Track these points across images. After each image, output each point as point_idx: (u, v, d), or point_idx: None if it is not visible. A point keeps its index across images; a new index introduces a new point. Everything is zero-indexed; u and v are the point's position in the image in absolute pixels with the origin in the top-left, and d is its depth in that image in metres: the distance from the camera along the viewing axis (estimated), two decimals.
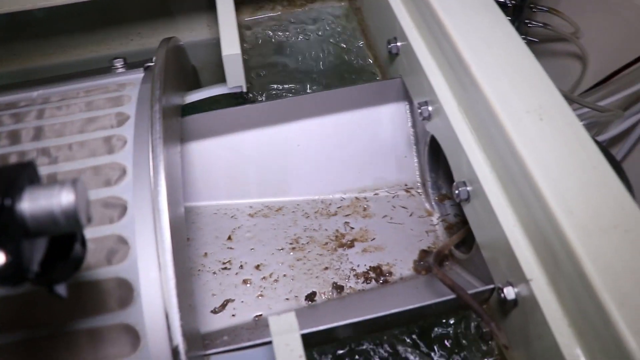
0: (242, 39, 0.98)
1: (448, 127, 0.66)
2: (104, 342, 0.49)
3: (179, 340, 0.47)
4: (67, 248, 0.39)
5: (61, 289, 0.41)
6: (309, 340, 0.56)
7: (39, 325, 0.49)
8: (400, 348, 0.65)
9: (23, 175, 0.35)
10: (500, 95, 0.59)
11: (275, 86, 0.97)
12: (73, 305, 0.49)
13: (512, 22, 1.16)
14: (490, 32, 0.65)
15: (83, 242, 0.41)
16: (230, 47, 0.72)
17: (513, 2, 1.14)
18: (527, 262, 0.54)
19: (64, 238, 0.39)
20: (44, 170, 0.57)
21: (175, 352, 0.47)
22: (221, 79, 1.03)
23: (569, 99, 1.10)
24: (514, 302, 0.56)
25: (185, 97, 0.77)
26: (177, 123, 0.69)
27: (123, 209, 0.53)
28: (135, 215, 0.52)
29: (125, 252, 0.51)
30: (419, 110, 0.72)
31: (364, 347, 0.66)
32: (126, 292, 0.50)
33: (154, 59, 0.74)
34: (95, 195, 0.54)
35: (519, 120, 0.56)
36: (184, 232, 0.58)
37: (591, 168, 0.53)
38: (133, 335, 0.49)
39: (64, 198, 0.34)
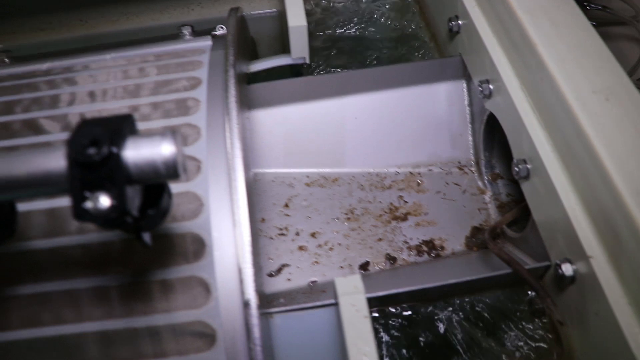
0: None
1: (510, 105, 0.67)
2: (175, 293, 0.52)
3: (251, 294, 0.49)
4: (157, 198, 0.41)
5: (147, 237, 0.43)
6: (377, 304, 0.59)
7: (116, 272, 0.52)
8: (455, 317, 0.66)
9: (126, 125, 0.38)
10: (566, 74, 0.59)
11: (332, 57, 0.98)
12: (149, 256, 0.52)
13: None
14: (557, 12, 0.65)
15: (169, 194, 0.43)
16: (297, 18, 0.74)
17: None
18: (587, 240, 0.55)
19: (155, 188, 0.41)
20: None
21: (246, 305, 0.49)
22: (277, 51, 1.05)
23: None
24: (572, 279, 0.57)
25: (249, 66, 0.79)
26: (245, 90, 0.71)
27: (197, 167, 0.55)
28: (208, 175, 0.54)
29: (199, 208, 0.54)
30: (480, 88, 0.73)
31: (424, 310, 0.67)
32: (199, 246, 0.52)
33: (217, 27, 0.76)
34: None
35: (585, 100, 0.57)
36: (252, 195, 0.60)
37: None
38: (204, 288, 0.51)
39: (165, 148, 0.36)
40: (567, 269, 0.57)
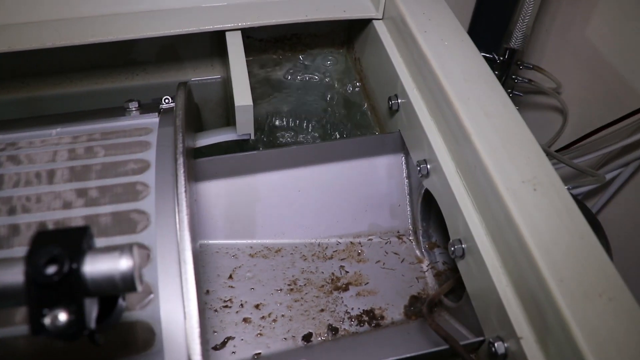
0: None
1: (446, 187, 0.71)
2: None
3: None
4: (113, 304, 0.43)
5: (99, 337, 0.44)
6: None
7: None
8: None
9: (84, 239, 0.39)
10: (497, 163, 0.63)
11: (275, 124, 1.01)
12: (100, 347, 0.52)
13: (500, 76, 1.23)
14: (489, 102, 0.70)
15: (124, 296, 0.44)
16: (243, 98, 0.77)
17: (501, 58, 1.21)
18: (517, 321, 0.59)
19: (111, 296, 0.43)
20: (67, 213, 0.60)
21: None
22: (221, 115, 1.07)
23: (551, 156, 1.17)
24: (504, 356, 0.61)
25: (195, 141, 0.81)
26: (192, 167, 0.73)
27: (146, 256, 0.57)
28: (158, 263, 0.56)
29: (148, 297, 0.54)
30: (418, 168, 0.77)
31: None
32: (149, 336, 0.53)
33: (163, 99, 0.78)
34: (120, 241, 0.57)
35: (514, 189, 0.61)
36: (199, 272, 0.61)
37: (579, 238, 0.58)
38: None
39: (124, 263, 0.38)
40: (499, 346, 0.61)
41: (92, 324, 0.39)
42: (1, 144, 0.72)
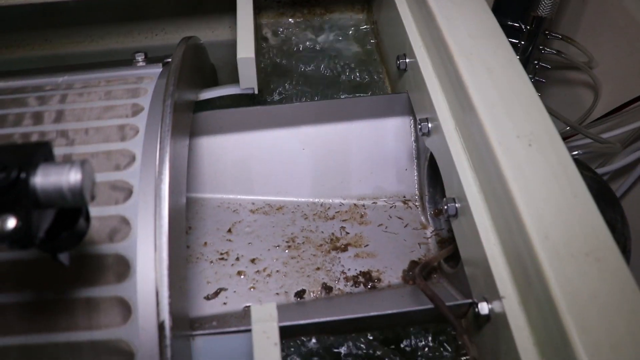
0: (261, 41, 1.01)
1: (444, 145, 0.69)
2: (98, 312, 0.53)
3: (165, 316, 0.51)
4: (73, 221, 0.43)
5: (64, 257, 0.45)
6: (290, 333, 0.60)
7: (42, 289, 0.53)
8: (377, 352, 0.68)
9: (39, 152, 0.39)
10: (493, 118, 0.62)
11: (286, 87, 1.00)
12: (75, 275, 0.53)
13: (526, 47, 1.19)
14: (493, 58, 0.68)
15: (87, 217, 0.45)
16: (245, 50, 0.76)
17: (528, 27, 1.17)
18: (501, 280, 0.57)
19: (71, 212, 0.43)
20: (61, 150, 0.62)
21: (161, 327, 0.50)
22: (238, 78, 1.07)
23: (572, 127, 1.12)
24: (487, 318, 0.59)
25: (199, 94, 0.81)
26: (189, 118, 0.73)
27: (129, 192, 0.57)
28: (139, 200, 0.56)
29: (127, 232, 0.55)
30: (419, 126, 0.76)
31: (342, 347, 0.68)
32: (123, 268, 0.54)
33: (173, 54, 0.78)
34: (106, 178, 0.58)
35: (508, 144, 0.59)
36: (184, 220, 0.62)
37: (572, 196, 0.56)
38: (125, 308, 0.53)
39: (72, 176, 0.38)
40: (482, 307, 0.59)
41: (41, 233, 0.39)
42: (9, 88, 0.74)
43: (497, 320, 0.57)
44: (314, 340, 0.67)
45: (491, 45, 0.70)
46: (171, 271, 0.52)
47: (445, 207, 0.67)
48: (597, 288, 0.50)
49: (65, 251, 0.45)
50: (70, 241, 0.44)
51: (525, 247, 0.53)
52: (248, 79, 0.78)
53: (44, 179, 0.38)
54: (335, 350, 0.68)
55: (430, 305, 0.64)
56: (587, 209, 0.55)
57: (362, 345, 0.68)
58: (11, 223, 0.37)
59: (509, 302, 0.56)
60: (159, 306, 0.51)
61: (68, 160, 0.39)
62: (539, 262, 0.51)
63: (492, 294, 0.58)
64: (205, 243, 0.79)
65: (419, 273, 0.70)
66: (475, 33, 0.71)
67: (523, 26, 1.17)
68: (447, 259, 0.78)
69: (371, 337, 0.68)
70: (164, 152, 0.57)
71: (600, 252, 0.52)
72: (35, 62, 1.05)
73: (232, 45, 1.04)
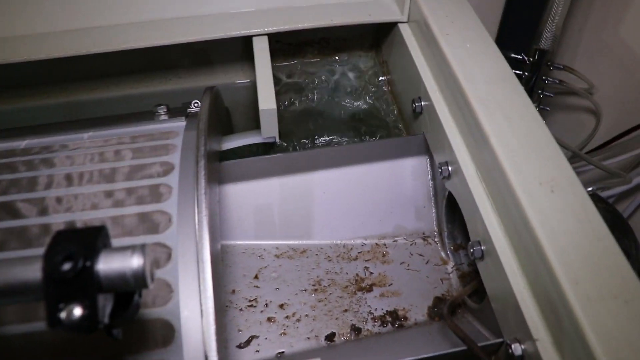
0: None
1: (466, 189, 0.71)
2: None
3: None
4: (129, 298, 0.45)
5: (117, 332, 0.46)
6: None
7: (89, 358, 0.55)
8: None
9: (99, 238, 0.41)
10: (515, 166, 0.64)
11: (300, 130, 1.02)
12: (122, 341, 0.55)
13: (530, 78, 1.22)
14: (509, 104, 0.70)
15: (140, 293, 0.47)
16: (267, 102, 0.78)
17: (531, 59, 1.20)
18: (533, 323, 0.59)
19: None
20: (95, 214, 0.63)
21: None
22: (251, 119, 1.10)
23: (580, 157, 1.15)
24: (521, 358, 0.61)
25: (222, 144, 0.83)
26: (217, 169, 0.75)
27: (167, 255, 0.59)
28: (179, 262, 0.58)
29: (169, 295, 0.57)
30: (440, 170, 0.78)
31: None
32: (168, 332, 0.55)
33: (192, 103, 0.80)
34: (142, 241, 0.60)
35: (531, 191, 0.61)
36: (220, 271, 0.63)
37: (596, 240, 0.58)
38: None
39: (135, 262, 0.40)
40: (516, 348, 0.61)
41: (106, 318, 0.41)
42: (36, 147, 0.75)
43: None
44: None
45: (507, 91, 0.72)
46: (218, 335, 0.53)
47: (472, 250, 0.69)
48: (628, 330, 0.52)
49: (120, 327, 0.46)
50: (127, 318, 0.45)
51: (556, 293, 0.55)
52: (270, 129, 0.80)
53: (106, 265, 0.40)
54: None
55: (463, 347, 0.66)
56: (612, 252, 0.57)
57: None
58: (77, 312, 0.39)
59: (543, 345, 0.58)
60: None
61: (128, 247, 0.40)
62: (572, 307, 0.53)
63: (525, 335, 0.60)
64: (234, 290, 0.80)
65: (448, 314, 0.72)
66: (491, 79, 0.73)
67: (526, 58, 1.20)
68: (470, 294, 0.80)
69: None
70: (202, 216, 0.59)
71: (627, 294, 0.54)
72: (51, 110, 1.07)
73: (245, 88, 1.07)
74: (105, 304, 0.41)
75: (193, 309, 0.55)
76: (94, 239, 0.41)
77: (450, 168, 0.76)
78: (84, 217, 0.63)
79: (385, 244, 0.88)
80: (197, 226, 0.58)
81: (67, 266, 0.39)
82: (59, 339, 0.55)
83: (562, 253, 0.56)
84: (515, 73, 0.76)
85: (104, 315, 0.41)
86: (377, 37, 1.08)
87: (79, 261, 0.39)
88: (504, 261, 0.63)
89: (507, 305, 0.64)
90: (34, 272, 0.40)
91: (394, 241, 0.88)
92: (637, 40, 1.14)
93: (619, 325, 0.52)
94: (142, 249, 0.40)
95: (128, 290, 0.42)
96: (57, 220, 0.63)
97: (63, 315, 0.39)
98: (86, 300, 0.39)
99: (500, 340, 0.66)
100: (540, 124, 0.68)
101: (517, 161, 0.64)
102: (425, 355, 0.65)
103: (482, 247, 0.68)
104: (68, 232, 0.41)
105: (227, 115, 1.03)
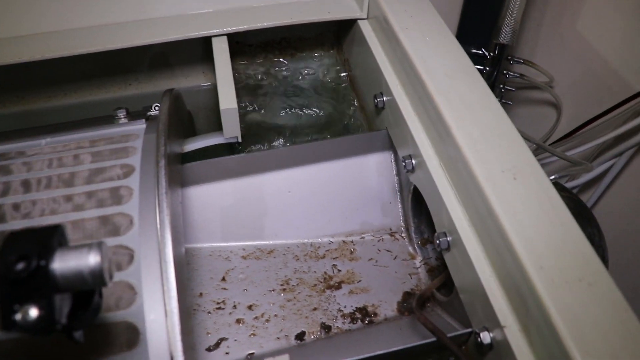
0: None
1: (430, 181, 0.71)
2: None
3: None
4: (89, 299, 0.43)
5: (79, 335, 0.45)
6: None
7: None
8: None
9: (54, 237, 0.40)
10: (477, 155, 0.64)
11: (262, 129, 1.02)
12: (83, 347, 0.53)
13: (491, 72, 1.23)
14: (470, 95, 0.71)
15: (100, 293, 0.45)
16: (228, 101, 0.78)
17: (491, 54, 1.22)
18: (501, 310, 0.59)
19: (86, 291, 0.43)
20: (54, 219, 0.62)
21: None
22: (215, 122, 1.08)
23: (543, 149, 1.17)
24: (490, 346, 0.61)
25: (184, 146, 0.82)
26: (179, 171, 0.74)
27: (130, 257, 0.58)
28: (141, 264, 0.57)
29: (132, 297, 0.55)
30: (404, 164, 0.78)
31: None
32: (133, 335, 0.54)
33: (153, 106, 0.79)
34: None
35: (494, 178, 0.62)
36: (185, 274, 0.62)
37: (560, 225, 0.58)
38: None
39: (92, 259, 0.39)
40: (485, 336, 0.61)
41: (63, 319, 0.40)
42: None
43: (501, 349, 0.59)
44: None
45: (467, 83, 0.72)
46: (183, 335, 0.52)
47: (438, 241, 0.69)
48: (593, 311, 0.52)
49: (80, 329, 0.45)
50: (87, 319, 0.44)
51: (522, 278, 0.56)
52: (232, 129, 0.79)
53: (62, 264, 0.39)
54: None
55: (433, 338, 0.66)
56: (575, 236, 0.58)
57: None
58: (33, 313, 0.38)
59: (511, 331, 0.58)
60: None
61: (85, 244, 0.39)
62: (537, 291, 0.53)
63: (493, 323, 0.60)
64: (201, 294, 0.79)
65: (417, 307, 0.72)
66: (451, 71, 0.73)
67: (487, 53, 1.22)
68: (439, 287, 0.80)
69: None
70: (164, 215, 0.58)
71: (591, 277, 0.55)
72: (8, 119, 1.04)
73: (207, 91, 1.06)
74: (63, 305, 0.40)
75: (157, 310, 0.54)
76: (48, 238, 0.39)
77: (414, 161, 0.77)
78: (43, 223, 0.61)
79: (352, 241, 0.88)
80: (158, 226, 0.57)
81: (20, 266, 0.37)
82: (18, 348, 0.53)
83: (526, 239, 0.57)
84: (477, 68, 0.76)
85: (61, 315, 0.39)
86: (338, 35, 1.08)
87: (33, 260, 0.38)
88: (470, 250, 0.64)
89: (475, 295, 0.64)
90: None
91: (362, 238, 0.88)
92: (594, 33, 1.16)
93: (584, 308, 0.53)
94: (99, 246, 0.39)
95: (86, 289, 0.41)
96: (15, 227, 0.61)
97: (18, 317, 0.37)
98: (42, 300, 0.38)
99: (469, 330, 0.67)
100: (501, 114, 0.69)
101: (479, 150, 0.64)
102: (396, 349, 0.65)
103: (448, 238, 0.68)
104: (22, 232, 0.40)
105: (189, 119, 1.02)
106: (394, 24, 0.82)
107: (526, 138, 1.18)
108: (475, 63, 0.77)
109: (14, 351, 0.53)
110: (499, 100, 1.26)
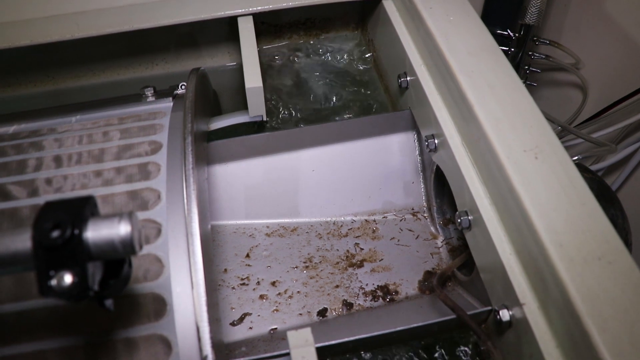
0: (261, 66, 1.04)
1: (452, 160, 0.72)
2: (139, 350, 0.55)
3: (208, 351, 0.53)
4: (119, 268, 0.45)
5: (109, 303, 0.47)
6: (322, 353, 0.62)
7: (82, 333, 0.55)
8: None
9: (87, 207, 0.42)
10: (500, 134, 0.64)
11: (290, 110, 1.03)
12: (113, 316, 0.55)
13: (516, 53, 1.22)
14: (493, 74, 0.71)
15: (130, 263, 0.47)
16: (253, 80, 0.79)
17: (517, 35, 1.21)
18: (520, 288, 0.60)
19: (117, 260, 0.45)
20: (85, 193, 0.63)
21: None
22: (239, 102, 1.10)
23: (567, 130, 1.16)
24: (509, 324, 0.62)
25: (209, 124, 0.83)
26: (205, 149, 0.75)
27: (157, 231, 0.59)
28: (169, 237, 0.58)
29: (160, 270, 0.57)
30: (426, 143, 0.78)
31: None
32: (160, 306, 0.56)
33: (180, 85, 0.80)
34: None
35: (516, 158, 0.62)
36: (210, 249, 0.64)
37: (580, 204, 0.59)
38: (165, 345, 0.55)
39: (122, 229, 0.40)
40: (504, 314, 0.62)
41: (96, 286, 0.41)
42: (25, 132, 0.75)
43: (519, 326, 0.60)
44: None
45: (490, 62, 0.72)
46: (208, 305, 0.54)
47: (459, 220, 0.70)
48: (611, 289, 0.53)
49: (111, 297, 0.47)
50: (117, 288, 0.46)
51: (541, 256, 0.56)
52: (257, 107, 0.81)
53: (95, 233, 0.40)
54: None
55: (453, 316, 0.67)
56: (595, 215, 0.58)
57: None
58: (68, 279, 0.39)
59: (530, 308, 0.58)
60: (200, 342, 0.53)
61: (116, 214, 0.41)
62: (556, 269, 0.54)
63: (512, 301, 0.61)
64: (226, 270, 0.81)
65: (437, 284, 0.73)
66: (474, 51, 0.74)
67: (512, 34, 1.21)
68: (460, 267, 0.81)
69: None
70: (190, 190, 0.59)
71: (611, 256, 0.55)
72: (38, 99, 1.07)
73: (233, 71, 1.07)
74: (95, 272, 0.42)
75: (184, 282, 0.56)
76: (81, 208, 0.41)
77: (436, 141, 0.77)
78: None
79: (375, 220, 0.89)
80: (185, 201, 0.59)
81: (56, 233, 0.39)
82: (53, 315, 0.55)
83: (545, 217, 0.57)
84: (501, 49, 0.76)
85: (94, 283, 0.41)
86: (363, 16, 1.09)
87: (67, 229, 0.39)
88: (491, 229, 0.64)
89: (495, 273, 0.64)
90: (23, 241, 0.40)
91: (384, 217, 0.89)
92: (622, 14, 1.15)
93: (602, 286, 0.53)
94: (129, 215, 0.41)
95: (117, 258, 0.43)
96: (48, 200, 0.63)
97: (54, 282, 0.39)
98: (76, 267, 0.40)
99: (489, 308, 0.67)
100: (524, 93, 0.69)
101: (501, 129, 0.65)
102: (416, 325, 0.66)
103: (470, 217, 0.69)
104: (57, 202, 0.42)
105: (215, 98, 1.03)
106: (417, 3, 0.82)
107: (550, 119, 1.17)
108: (500, 44, 0.77)
109: (47, 320, 0.56)
110: (524, 82, 1.25)
